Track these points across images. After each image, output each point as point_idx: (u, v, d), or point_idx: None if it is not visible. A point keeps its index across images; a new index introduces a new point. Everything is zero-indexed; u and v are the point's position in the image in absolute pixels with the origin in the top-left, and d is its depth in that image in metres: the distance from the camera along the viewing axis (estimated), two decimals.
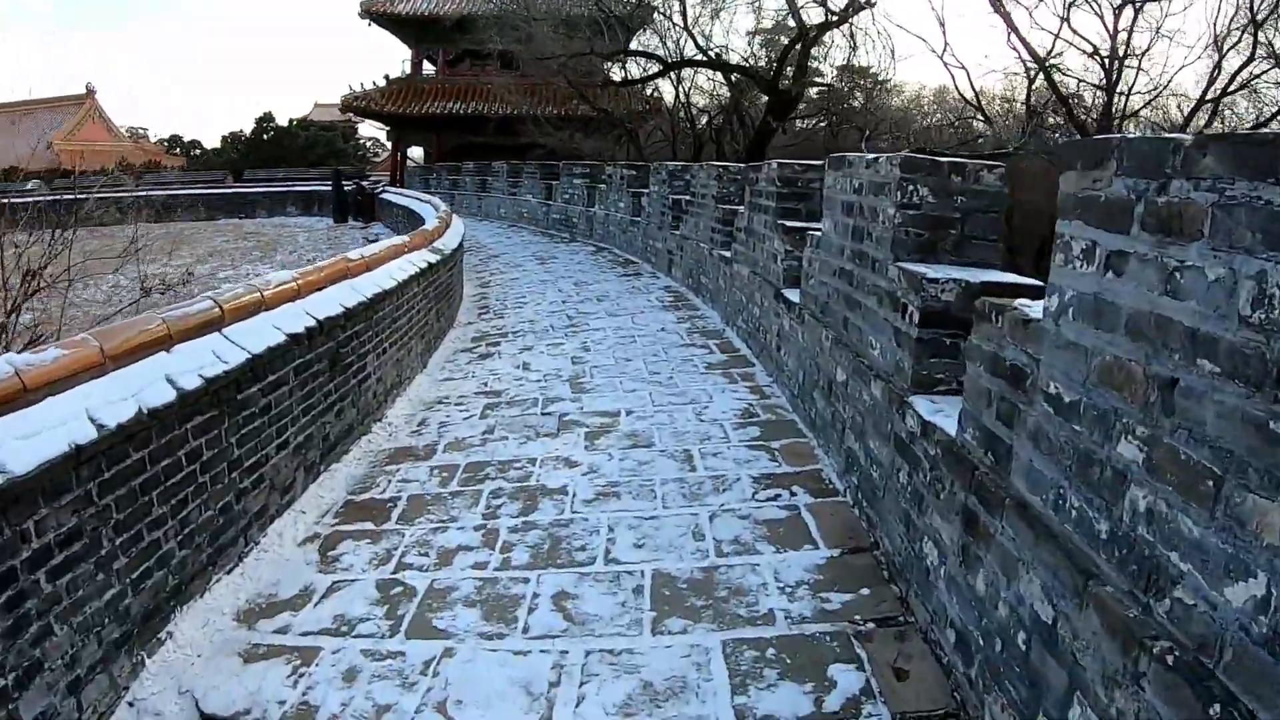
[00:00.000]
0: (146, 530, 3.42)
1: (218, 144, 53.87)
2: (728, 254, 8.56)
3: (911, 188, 3.65)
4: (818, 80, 20.21)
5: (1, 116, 53.36)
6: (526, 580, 3.65)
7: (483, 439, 5.58)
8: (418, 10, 30.25)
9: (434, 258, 8.53)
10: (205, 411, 3.80)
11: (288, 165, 39.25)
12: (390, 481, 4.98)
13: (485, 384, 7.09)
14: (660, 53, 20.36)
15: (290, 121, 48.67)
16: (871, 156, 4.08)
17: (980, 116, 23.38)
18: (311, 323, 4.88)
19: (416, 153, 36.37)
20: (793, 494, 4.31)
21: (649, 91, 27.51)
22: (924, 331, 3.35)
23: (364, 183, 23.64)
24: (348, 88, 31.05)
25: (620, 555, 3.78)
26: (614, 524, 4.08)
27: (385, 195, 21.14)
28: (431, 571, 3.84)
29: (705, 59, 20.17)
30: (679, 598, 3.41)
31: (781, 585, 3.44)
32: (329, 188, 24.34)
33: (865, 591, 3.39)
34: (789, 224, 6.38)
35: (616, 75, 23.16)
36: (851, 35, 19.23)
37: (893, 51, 31.06)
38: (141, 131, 70.39)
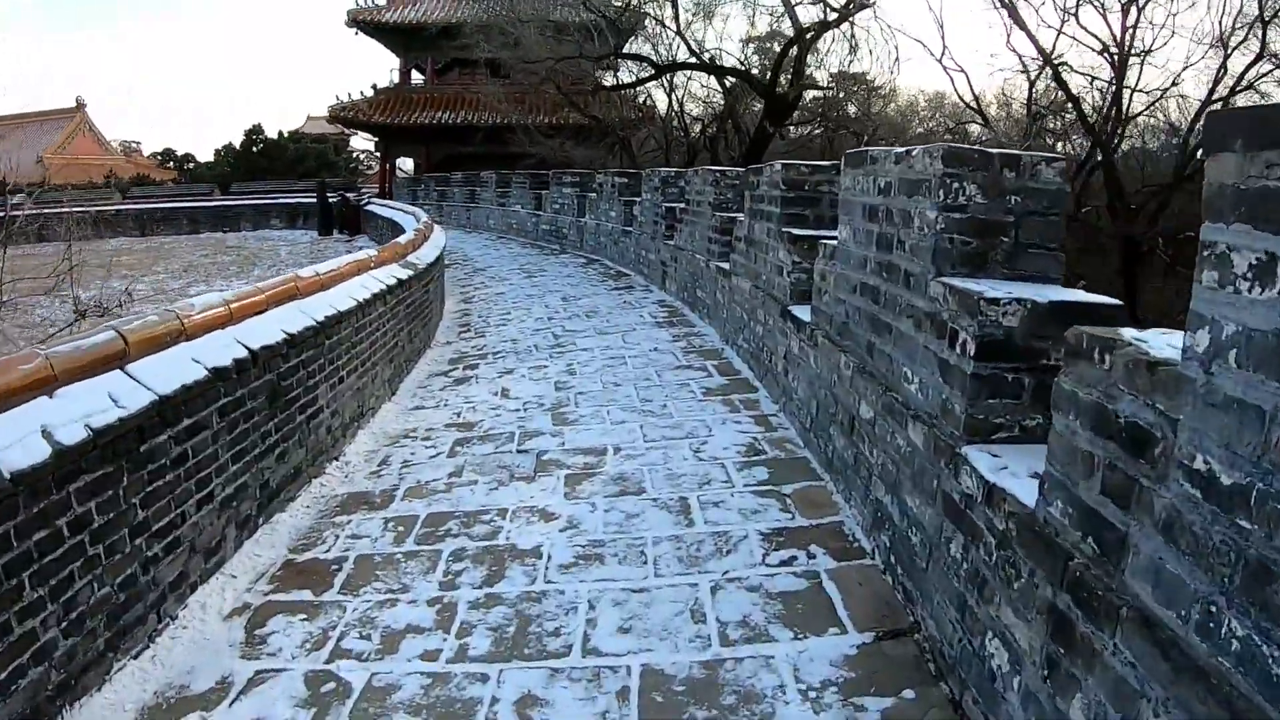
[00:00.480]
0: (16, 620, 2.73)
1: (212, 157, 53.34)
2: (726, 266, 7.87)
3: (957, 185, 2.96)
4: (815, 85, 19.59)
5: None
6: (485, 678, 2.93)
7: (449, 483, 4.86)
8: (404, 19, 29.65)
9: (405, 273, 7.84)
10: (95, 469, 3.10)
11: (277, 178, 38.60)
12: (338, 537, 4.26)
13: (458, 414, 6.38)
14: (652, 58, 19.71)
15: (280, 134, 47.99)
16: (903, 150, 3.39)
17: (980, 120, 22.81)
18: (242, 353, 4.17)
19: (409, 165, 35.77)
20: (811, 556, 3.60)
21: (641, 99, 26.95)
22: (981, 366, 2.65)
23: (349, 195, 22.95)
24: (335, 98, 30.42)
25: (602, 644, 3.06)
26: (595, 599, 3.36)
27: (370, 207, 20.45)
28: (372, 661, 3.13)
29: (699, 62, 19.55)
30: (674, 705, 2.69)
31: (803, 687, 2.73)
32: (314, 200, 23.64)
33: (909, 695, 2.68)
34: (796, 232, 5.70)
35: (608, 81, 22.50)
36: (852, 37, 18.66)
37: (897, 53, 30.47)
38: (135, 145, 70.10)
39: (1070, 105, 19.68)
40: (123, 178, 43.86)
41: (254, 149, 45.45)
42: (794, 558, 3.59)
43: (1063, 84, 16.41)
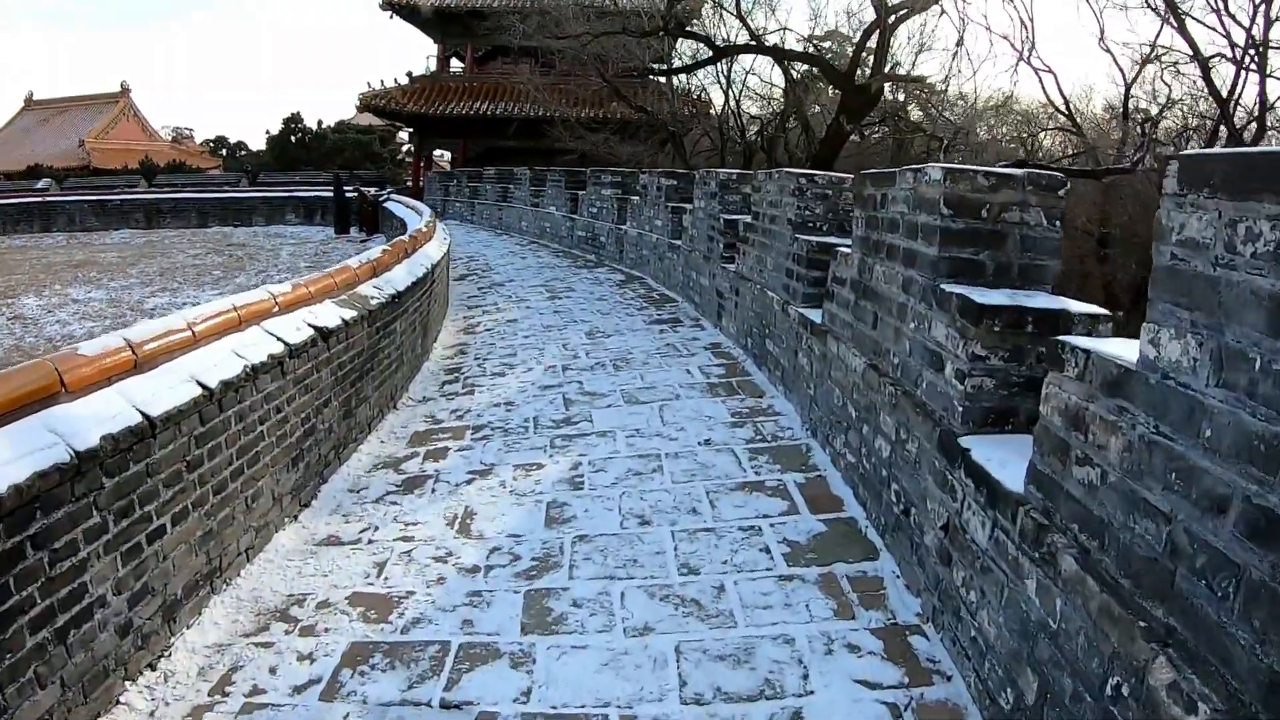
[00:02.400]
0: None
1: (264, 145, 51.91)
2: (817, 318, 5.26)
3: None
4: (903, 77, 16.75)
5: (34, 114, 52.24)
6: None
7: None
8: (440, 1, 27.31)
9: (347, 314, 5.37)
10: None
11: (314, 168, 36.62)
12: None
13: (380, 568, 3.88)
14: (710, 37, 17.00)
15: (319, 123, 46.21)
16: None
17: (1071, 126, 19.65)
18: None
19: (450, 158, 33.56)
20: None
21: (696, 94, 24.37)
22: None
23: (368, 190, 20.69)
24: (366, 85, 28.25)
25: None
26: None
27: (389, 204, 18.13)
28: None
29: (765, 46, 16.85)
30: None
31: None
32: (332, 195, 21.41)
33: None
34: (982, 299, 3.09)
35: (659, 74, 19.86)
36: (923, 30, 15.81)
37: (991, 44, 27.32)
38: (187, 132, 69.66)
39: (1170, 108, 16.68)
40: (159, 164, 42.41)
41: (291, 138, 43.69)
42: None
43: (1210, 82, 13.45)
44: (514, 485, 4.74)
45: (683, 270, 10.41)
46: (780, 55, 16.92)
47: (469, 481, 4.86)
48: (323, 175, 26.50)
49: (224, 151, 59.98)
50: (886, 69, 16.95)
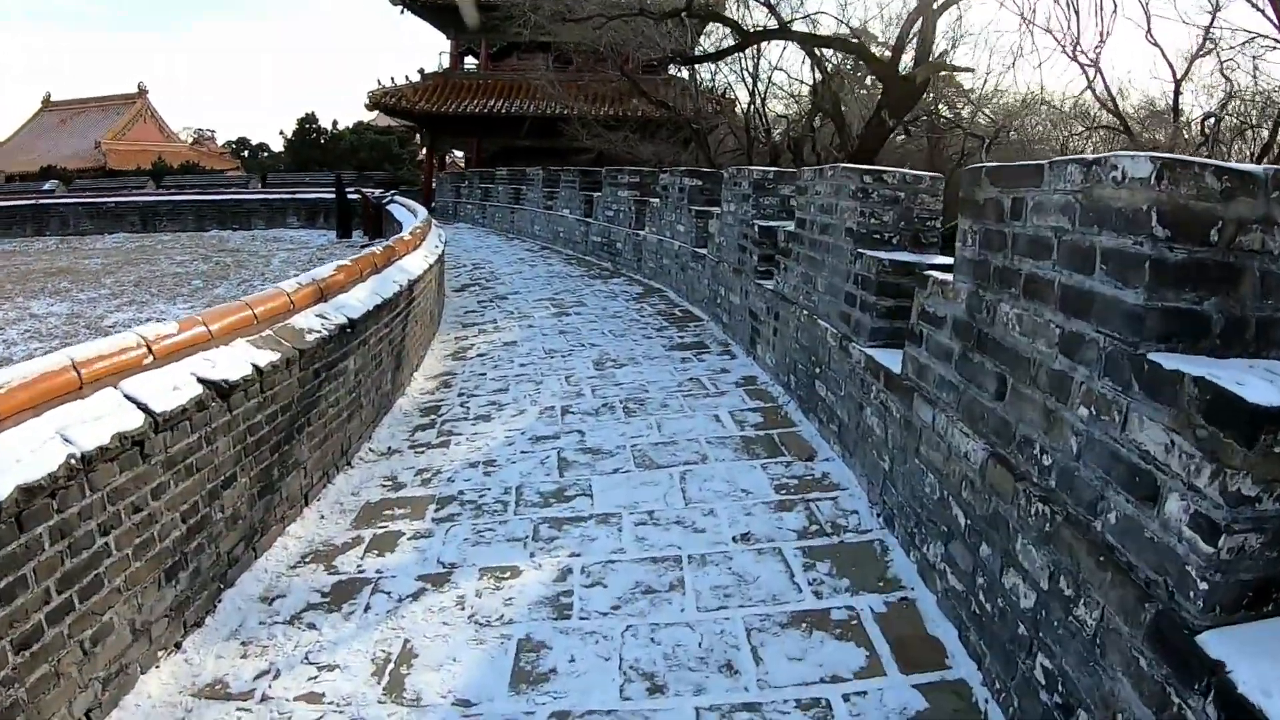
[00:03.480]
0: None
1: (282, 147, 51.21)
2: (896, 367, 3.89)
3: None
4: (952, 66, 15.25)
5: (52, 115, 51.77)
6: None
7: None
8: None
9: (265, 357, 4.09)
10: None
11: (330, 169, 35.53)
12: None
13: None
14: (733, 30, 15.56)
15: (334, 123, 45.23)
16: None
17: (1120, 124, 18.02)
18: None
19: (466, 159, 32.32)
20: None
21: (721, 90, 22.97)
22: None
23: (370, 191, 19.47)
24: (376, 83, 27.05)
25: None
26: None
27: (392, 207, 16.90)
28: None
29: (796, 32, 15.42)
30: None
31: None
32: (334, 197, 20.20)
33: None
34: (1246, 395, 1.72)
35: (681, 61, 18.44)
36: (958, 24, 14.31)
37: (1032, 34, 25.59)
38: (208, 133, 69.46)
39: (1229, 103, 15.02)
40: (173, 165, 41.61)
41: (307, 138, 42.72)
42: None
43: None
44: (476, 606, 3.40)
45: (709, 284, 9.04)
46: (814, 42, 15.45)
47: (417, 595, 3.53)
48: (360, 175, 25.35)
49: (246, 153, 59.54)
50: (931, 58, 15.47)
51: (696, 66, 21.73)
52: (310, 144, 42.67)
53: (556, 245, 16.90)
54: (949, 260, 3.99)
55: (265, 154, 56.68)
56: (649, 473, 4.67)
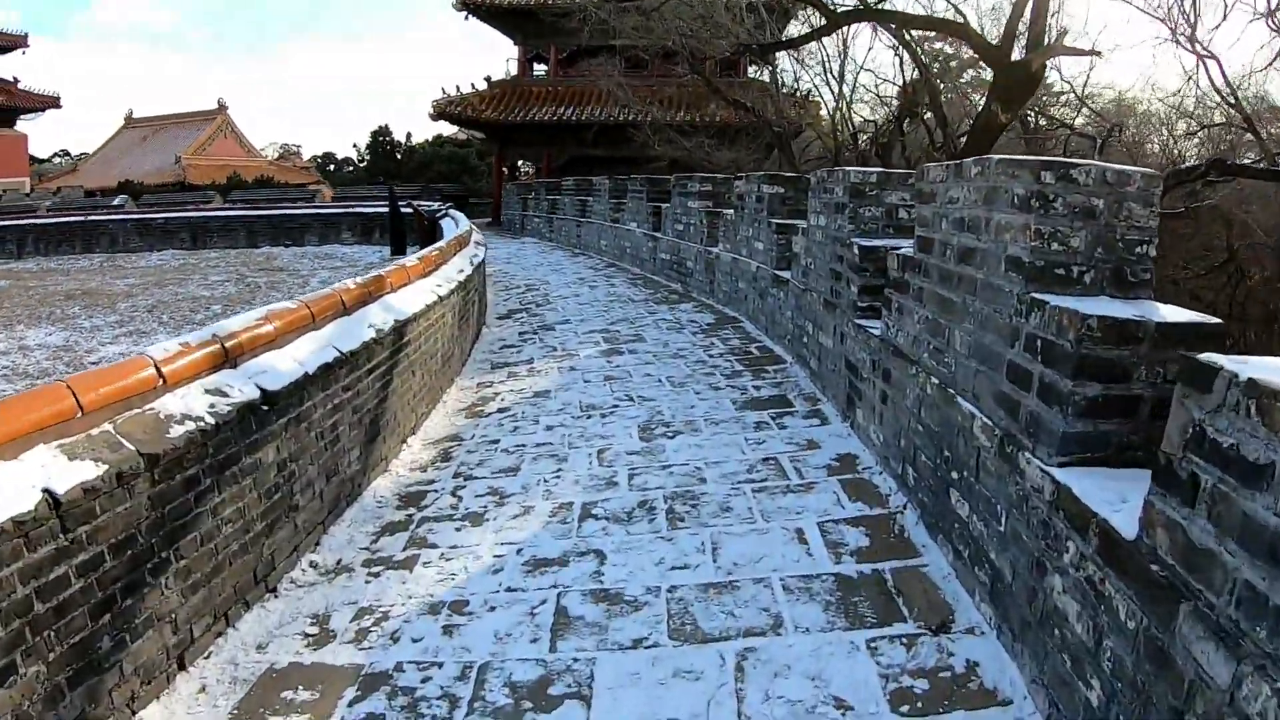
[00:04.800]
0: None
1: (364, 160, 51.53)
2: (1125, 527, 2.04)
3: None
4: (1073, 50, 13.05)
5: (134, 132, 52.87)
6: None
7: None
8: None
9: (87, 472, 2.50)
10: None
11: (406, 181, 34.89)
12: None
13: None
14: (820, 10, 13.63)
15: (407, 135, 44.87)
16: None
17: (1242, 120, 15.29)
18: None
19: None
20: None
21: (805, 90, 21.13)
22: None
23: (424, 204, 18.21)
24: (441, 91, 25.96)
25: None
26: None
27: (444, 222, 15.57)
28: None
29: (891, 12, 13.43)
30: None
31: None
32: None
33: None
34: None
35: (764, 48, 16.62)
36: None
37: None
38: (295, 148, 70.87)
39: None
40: (248, 180, 41.63)
41: (379, 151, 42.34)
42: None
43: None
44: None
45: (792, 316, 7.24)
46: (911, 24, 13.42)
47: None
48: (440, 188, 24.39)
49: (332, 167, 60.34)
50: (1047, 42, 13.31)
51: (778, 68, 19.96)
52: (385, 156, 42.28)
53: (623, 262, 15.27)
54: (1209, 319, 2.21)
55: (350, 168, 57.15)
56: (688, 652, 2.92)
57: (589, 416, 5.94)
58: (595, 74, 24.39)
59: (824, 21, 13.04)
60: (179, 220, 21.54)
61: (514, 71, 27.65)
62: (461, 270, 7.76)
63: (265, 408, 3.67)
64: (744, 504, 4.15)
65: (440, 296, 6.48)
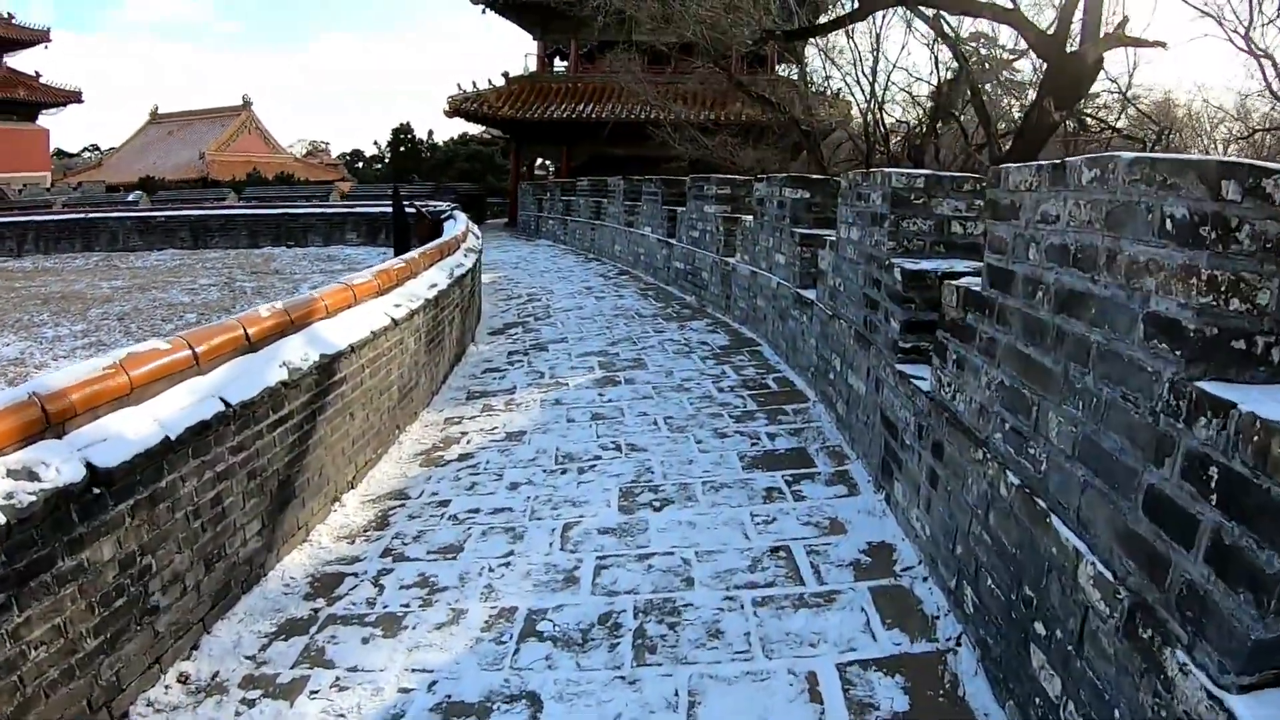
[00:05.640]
0: None
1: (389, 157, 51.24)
2: None
3: None
4: (1137, 40, 11.80)
5: (159, 127, 52.75)
6: None
7: None
8: None
9: None
10: None
11: (426, 179, 34.11)
12: None
13: None
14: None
15: (429, 133, 44.22)
16: None
17: None
18: None
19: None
20: None
21: (835, 89, 19.92)
22: None
23: (427, 205, 17.25)
24: (456, 87, 25.02)
25: None
26: None
27: (449, 223, 14.63)
28: None
29: None
30: None
31: None
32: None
33: None
34: None
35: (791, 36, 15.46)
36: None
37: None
38: (323, 145, 70.89)
39: None
40: (268, 176, 41.09)
41: (400, 149, 41.63)
42: None
43: None
44: None
45: (816, 345, 6.14)
46: (953, 7, 12.19)
47: None
48: (461, 186, 23.54)
49: (360, 164, 60.19)
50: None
51: (807, 66, 18.81)
52: (408, 154, 41.55)
53: (637, 270, 14.21)
54: None
55: (379, 165, 56.83)
56: None
57: (564, 471, 4.88)
58: (616, 70, 23.33)
59: (857, 4, 11.85)
60: (179, 219, 20.78)
61: (533, 68, 26.66)
62: (434, 285, 6.73)
63: (96, 491, 2.67)
64: (740, 625, 3.07)
65: (395, 320, 5.45)
